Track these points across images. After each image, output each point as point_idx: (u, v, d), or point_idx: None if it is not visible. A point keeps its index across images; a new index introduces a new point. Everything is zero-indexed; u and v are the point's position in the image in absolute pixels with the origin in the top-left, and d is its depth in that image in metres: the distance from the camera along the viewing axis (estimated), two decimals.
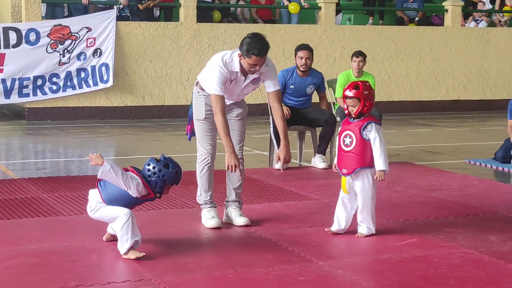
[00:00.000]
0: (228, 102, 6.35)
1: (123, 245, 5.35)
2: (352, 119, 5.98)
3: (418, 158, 10.30)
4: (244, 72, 6.18)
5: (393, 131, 13.31)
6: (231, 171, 6.04)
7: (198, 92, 6.33)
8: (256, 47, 5.96)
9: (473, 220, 6.67)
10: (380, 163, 5.86)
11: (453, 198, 7.61)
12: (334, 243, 5.85)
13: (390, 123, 14.12)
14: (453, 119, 15.67)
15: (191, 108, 6.44)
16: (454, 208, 7.12)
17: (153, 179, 5.43)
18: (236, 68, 6.14)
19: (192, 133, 6.51)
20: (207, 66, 6.28)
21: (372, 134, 5.88)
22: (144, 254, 5.37)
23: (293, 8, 16.30)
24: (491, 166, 9.61)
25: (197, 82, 6.37)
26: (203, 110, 6.28)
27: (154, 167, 5.44)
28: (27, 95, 14.20)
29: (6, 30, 13.93)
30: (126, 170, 5.50)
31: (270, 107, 9.15)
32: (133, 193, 5.40)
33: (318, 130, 9.47)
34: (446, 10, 17.48)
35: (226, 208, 6.46)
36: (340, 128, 6.08)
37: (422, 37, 17.07)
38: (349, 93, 5.92)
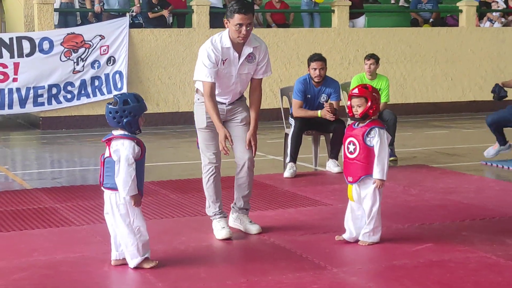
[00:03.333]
0: (226, 101, 6.22)
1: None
2: (356, 124, 5.84)
3: (434, 160, 10.20)
4: (237, 48, 6.06)
5: (409, 133, 13.21)
6: (223, 146, 5.95)
7: (199, 99, 6.24)
8: (238, 4, 5.93)
9: (490, 223, 6.58)
10: (375, 172, 5.73)
11: (470, 200, 7.51)
12: (348, 250, 5.77)
13: (406, 126, 14.02)
14: (470, 120, 15.54)
15: None
16: (471, 211, 7.03)
17: (125, 120, 5.23)
18: (227, 44, 6.04)
19: None
20: (197, 61, 6.16)
21: (375, 140, 5.73)
22: (157, 262, 5.33)
23: None
24: (508, 168, 9.49)
25: (197, 90, 6.29)
26: (204, 118, 6.17)
27: (117, 111, 5.22)
28: (42, 104, 14.21)
29: (19, 39, 13.94)
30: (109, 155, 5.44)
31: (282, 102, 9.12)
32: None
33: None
34: (461, 11, 17.37)
35: (234, 214, 6.39)
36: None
37: (437, 38, 16.96)
38: (357, 91, 5.78)
